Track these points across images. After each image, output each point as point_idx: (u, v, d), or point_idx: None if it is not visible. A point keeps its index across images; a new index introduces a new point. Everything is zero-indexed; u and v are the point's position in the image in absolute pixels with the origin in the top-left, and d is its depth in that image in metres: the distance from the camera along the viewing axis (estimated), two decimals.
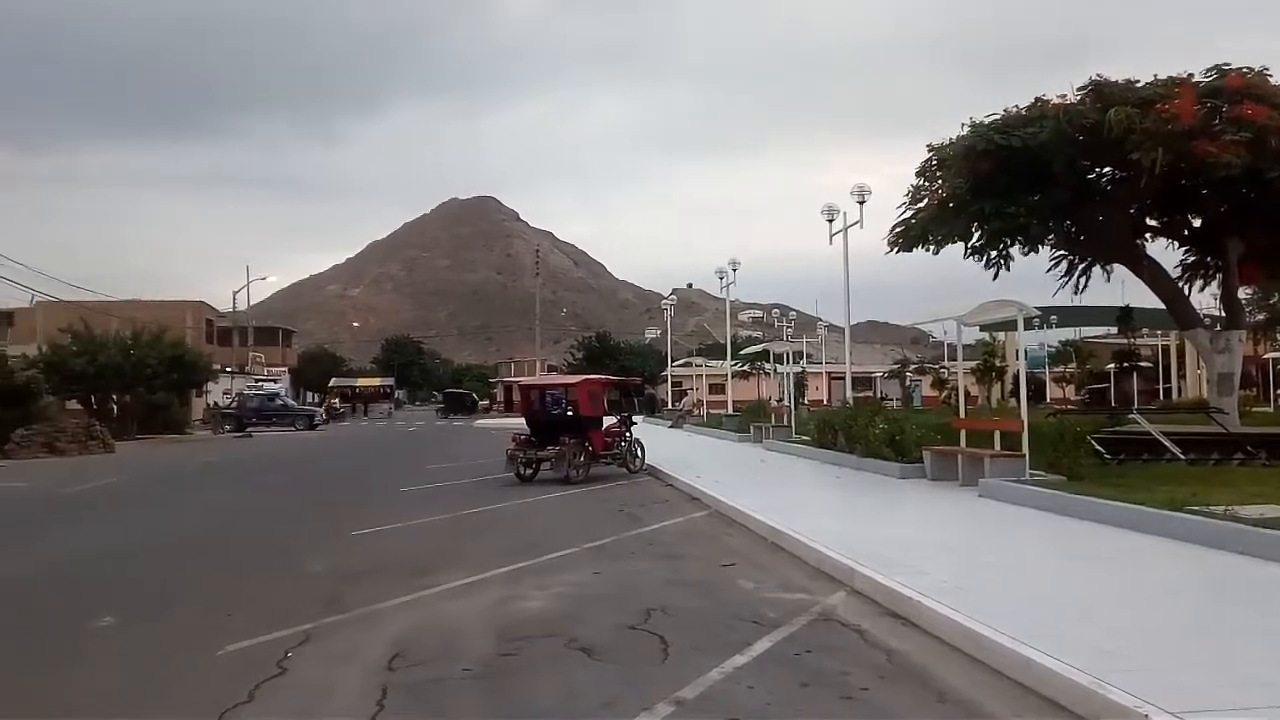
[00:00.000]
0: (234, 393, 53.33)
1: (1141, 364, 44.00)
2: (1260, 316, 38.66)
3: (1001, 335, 49.40)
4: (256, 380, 59.96)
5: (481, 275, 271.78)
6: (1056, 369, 56.32)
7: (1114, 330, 43.08)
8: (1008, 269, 17.84)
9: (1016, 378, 47.38)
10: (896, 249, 17.64)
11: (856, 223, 24.40)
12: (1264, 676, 4.95)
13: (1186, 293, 18.62)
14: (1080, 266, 18.86)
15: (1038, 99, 15.63)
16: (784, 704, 5.03)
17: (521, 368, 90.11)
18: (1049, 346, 55.77)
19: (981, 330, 41.61)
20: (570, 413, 18.57)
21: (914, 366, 71.93)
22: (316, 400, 72.77)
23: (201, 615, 7.48)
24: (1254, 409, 30.11)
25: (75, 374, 36.92)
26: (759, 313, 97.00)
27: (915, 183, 17.10)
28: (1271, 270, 19.42)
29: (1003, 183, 15.44)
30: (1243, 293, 22.77)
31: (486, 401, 77.54)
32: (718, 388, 56.37)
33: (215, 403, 50.81)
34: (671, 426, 39.78)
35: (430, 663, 5.91)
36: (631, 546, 10.34)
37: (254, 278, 61.52)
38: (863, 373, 65.47)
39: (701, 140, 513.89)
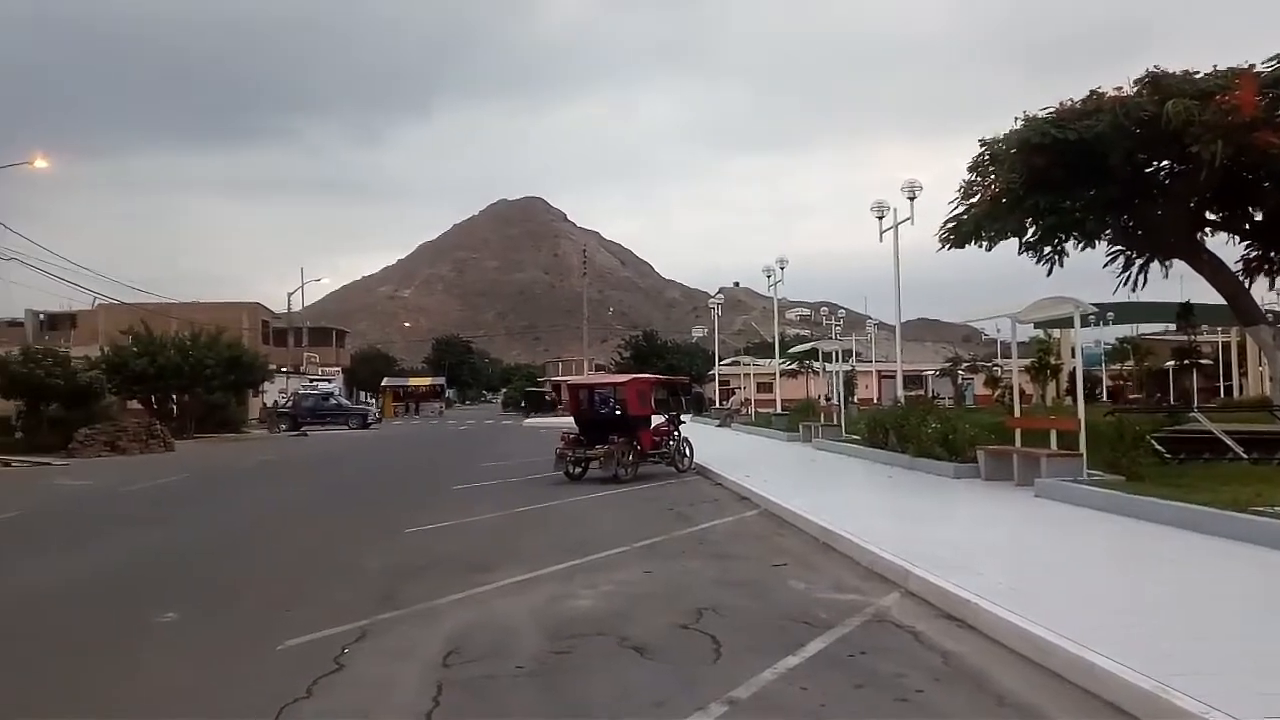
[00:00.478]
0: (289, 392, 54.22)
1: (1202, 361, 42.98)
2: None
3: (1056, 332, 48.51)
4: (311, 380, 60.89)
5: (529, 275, 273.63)
6: (1113, 366, 55.22)
7: (1172, 327, 42.14)
8: (1062, 265, 17.48)
9: (1072, 376, 46.56)
10: (949, 245, 17.37)
11: (907, 219, 24.18)
12: None
13: (1248, 288, 18.11)
14: (1138, 262, 18.43)
15: (1093, 91, 15.31)
16: (838, 705, 5.00)
17: (569, 367, 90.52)
18: (1105, 344, 54.72)
19: (1036, 327, 40.91)
20: (619, 412, 18.61)
21: (966, 364, 70.89)
22: (370, 400, 73.70)
23: (261, 611, 7.63)
24: None
25: (136, 374, 37.76)
26: (807, 311, 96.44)
27: (967, 178, 16.83)
28: None
29: (1058, 177, 15.13)
30: None
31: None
32: (765, 386, 56.10)
33: (277, 401, 51.66)
34: (719, 425, 39.68)
35: (485, 659, 5.97)
36: (681, 546, 10.34)
37: (308, 279, 62.70)
38: (913, 371, 64.78)
39: (748, 138, 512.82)
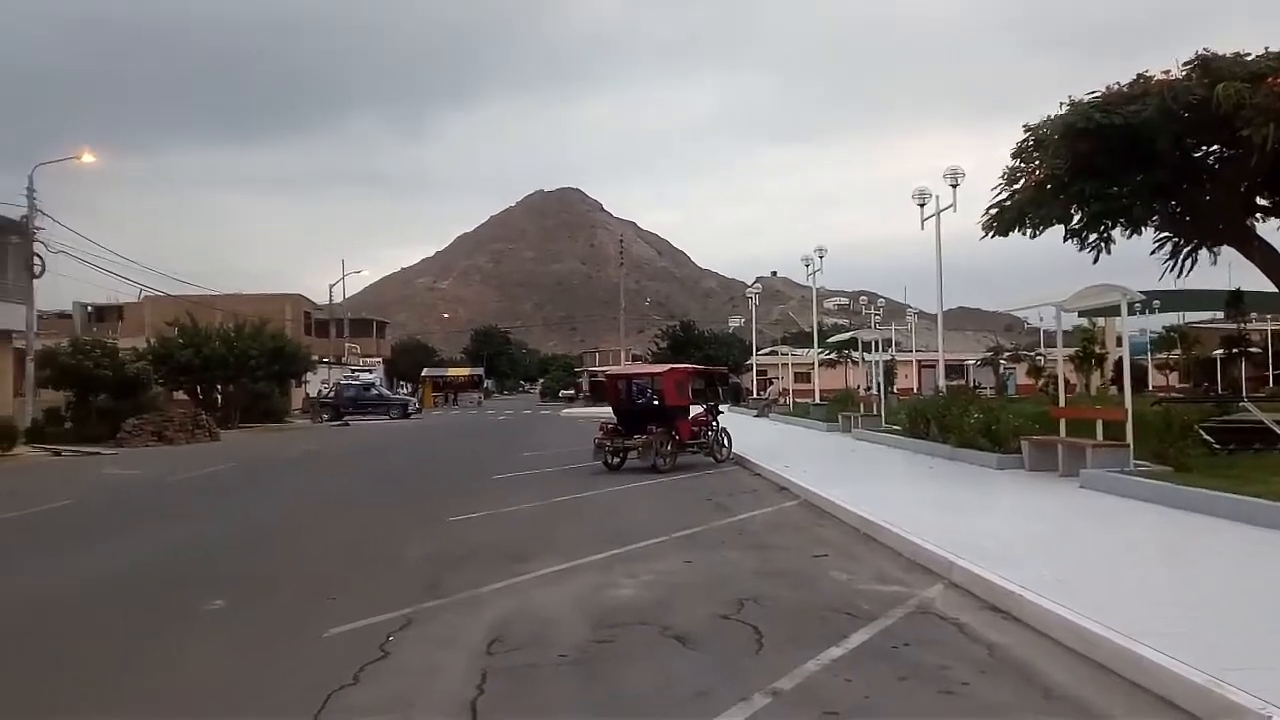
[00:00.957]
0: (331, 383, 54.84)
1: (1251, 349, 42.08)
2: None
3: (1101, 321, 47.72)
4: (352, 370, 61.60)
5: (566, 266, 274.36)
6: (1159, 355, 54.22)
7: (1220, 315, 41.26)
8: (1109, 252, 17.16)
9: (1117, 365, 45.80)
10: (992, 233, 17.12)
11: (950, 206, 23.86)
12: None
13: None
14: (1185, 249, 18.06)
15: (1140, 75, 14.98)
16: (883, 697, 4.96)
17: (606, 357, 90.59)
18: (1151, 332, 53.74)
19: (1080, 316, 40.24)
20: (657, 402, 18.60)
21: (1008, 354, 70.00)
22: (409, 390, 74.36)
23: (306, 599, 7.73)
24: None
25: (182, 365, 38.39)
26: (845, 300, 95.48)
27: (1011, 164, 16.57)
28: None
29: (1104, 163, 14.84)
30: None
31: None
32: (803, 376, 55.79)
33: (319, 391, 52.26)
34: (757, 416, 39.55)
35: (527, 648, 6.00)
36: (721, 536, 10.33)
37: (349, 271, 63.22)
38: (954, 360, 64.02)
39: (785, 126, 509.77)
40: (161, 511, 14.24)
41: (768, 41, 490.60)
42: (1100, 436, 13.48)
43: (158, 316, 46.98)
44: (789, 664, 5.45)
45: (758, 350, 61.17)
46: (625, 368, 36.74)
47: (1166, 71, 14.94)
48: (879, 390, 29.11)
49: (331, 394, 51.50)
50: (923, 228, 25.11)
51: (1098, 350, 49.67)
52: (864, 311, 70.79)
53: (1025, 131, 16.55)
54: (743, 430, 23.21)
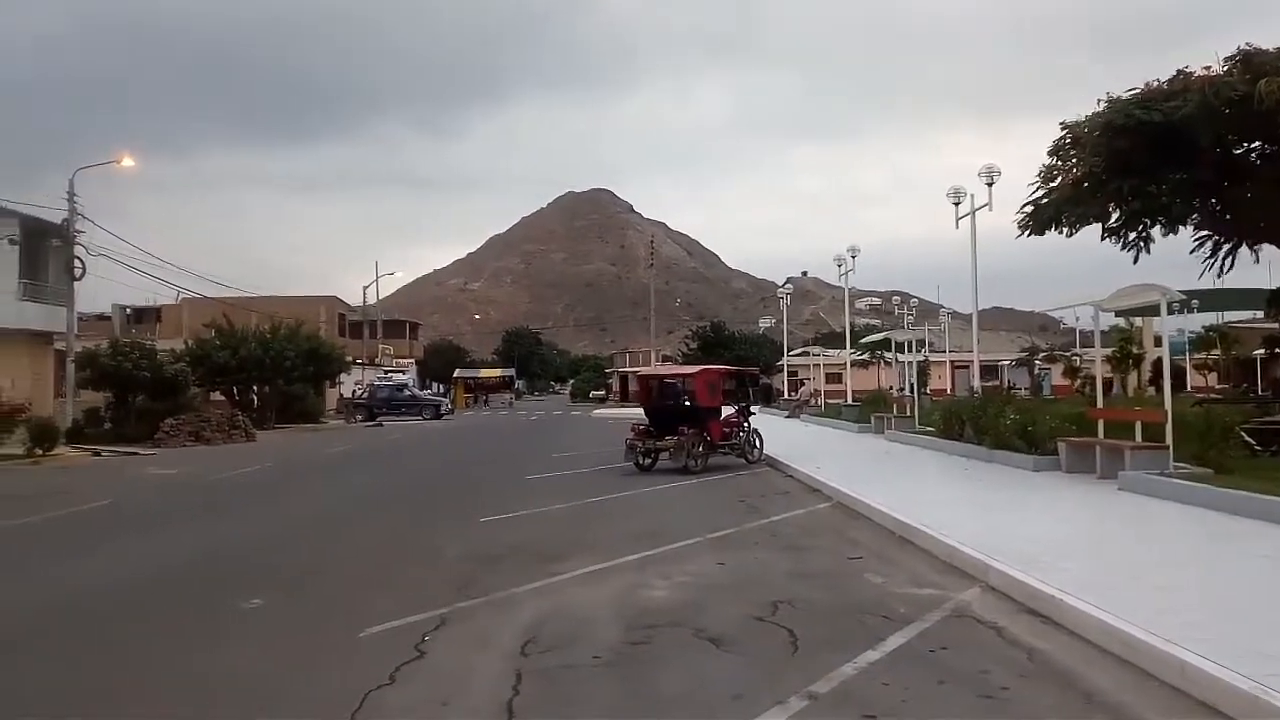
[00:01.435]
0: (365, 384, 55.26)
1: None
2: None
3: (1138, 321, 47.05)
4: (386, 371, 62.03)
5: (596, 267, 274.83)
6: (1198, 355, 53.38)
7: (1260, 314, 40.54)
8: (1148, 251, 16.94)
9: (1155, 365, 45.13)
10: (1028, 231, 16.94)
11: (985, 205, 23.64)
12: None
13: None
14: (1226, 247, 17.77)
15: (1180, 71, 14.76)
16: (921, 701, 4.92)
17: (636, 358, 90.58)
18: (1190, 332, 52.93)
19: (1117, 316, 39.71)
20: (688, 403, 18.58)
21: (1043, 354, 69.24)
22: (442, 390, 74.82)
23: (343, 598, 7.80)
24: None
25: (219, 366, 38.84)
26: (877, 300, 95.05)
27: (1048, 162, 16.38)
28: None
29: (1142, 160, 14.64)
30: None
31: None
32: (835, 377, 55.51)
33: (354, 392, 52.71)
34: (788, 417, 39.41)
35: (562, 649, 6.02)
36: (754, 537, 10.29)
37: (383, 273, 63.79)
38: (989, 360, 63.33)
39: (816, 125, 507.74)
40: (200, 511, 14.41)
41: (799, 38, 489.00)
42: (1139, 438, 13.30)
43: (195, 318, 47.58)
44: (825, 667, 5.42)
45: (789, 351, 60.95)
46: (657, 368, 36.76)
47: (1207, 67, 14.72)
48: (912, 391, 28.87)
49: (365, 395, 51.89)
50: (957, 226, 24.92)
51: (1135, 350, 49.02)
52: (896, 311, 70.38)
53: (1063, 129, 16.36)
54: (774, 431, 23.13)
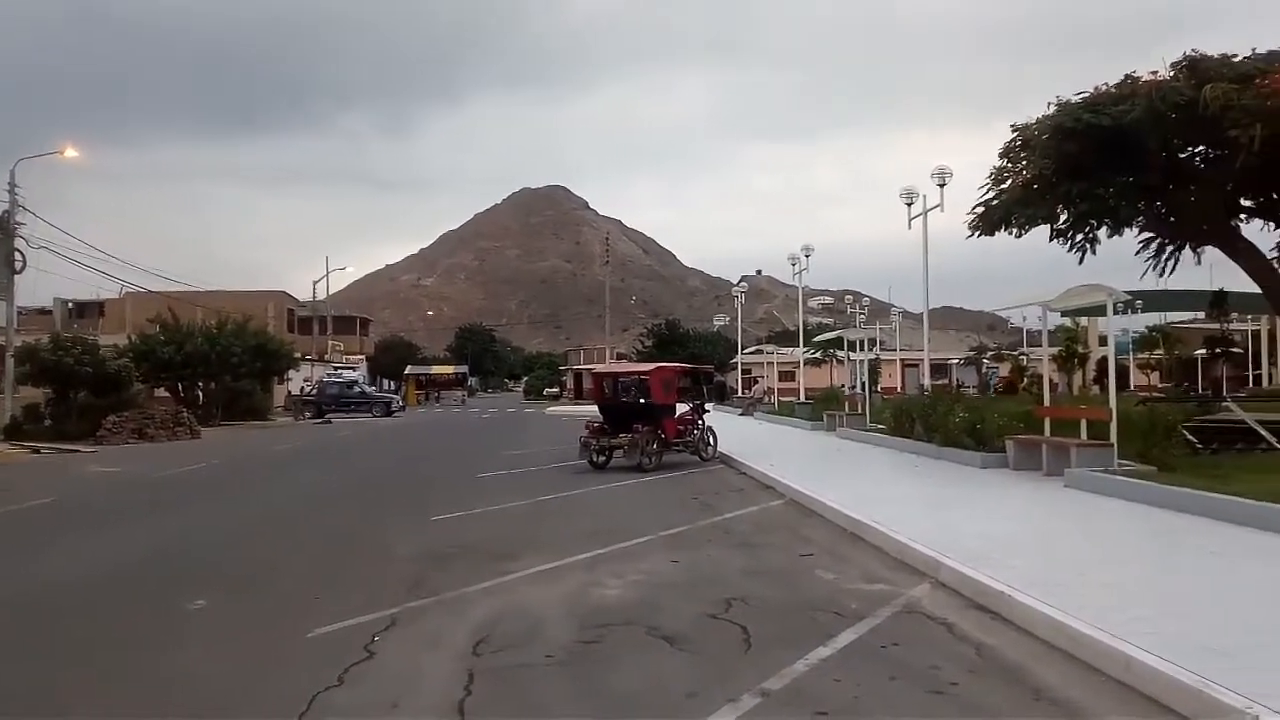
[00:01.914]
0: (314, 380, 54.54)
1: (1233, 350, 42.38)
2: None
3: (1084, 321, 48.02)
4: (335, 368, 61.29)
5: (551, 264, 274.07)
6: (1141, 355, 54.60)
7: (1201, 315, 41.55)
8: (1094, 253, 17.22)
9: (1100, 364, 46.05)
10: (978, 232, 17.15)
11: (937, 206, 23.94)
12: None
13: None
14: (1170, 249, 18.14)
15: (1128, 76, 15.02)
16: (872, 697, 4.94)
17: (591, 355, 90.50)
18: (1133, 332, 54.10)
19: (1063, 315, 40.47)
20: (643, 400, 18.57)
21: (990, 353, 70.37)
22: (393, 387, 74.10)
23: (291, 598, 7.65)
24: None
25: (163, 362, 38.10)
26: (829, 299, 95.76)
27: (998, 164, 16.59)
28: None
29: (1091, 163, 14.89)
30: None
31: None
32: (788, 375, 55.87)
33: (302, 389, 52.01)
34: (741, 414, 39.57)
35: (514, 648, 5.95)
36: (708, 535, 10.30)
37: (333, 268, 62.91)
38: (938, 359, 64.23)
39: (770, 126, 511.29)
40: (144, 509, 14.10)
41: (756, 40, 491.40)
42: (1084, 436, 13.53)
43: (139, 313, 46.56)
44: (777, 664, 5.43)
45: (743, 349, 61.26)
46: (611, 366, 36.69)
47: (1155, 72, 14.99)
48: (864, 389, 29.14)
49: (314, 391, 51.19)
50: (910, 227, 25.22)
51: (1080, 350, 50.02)
52: (849, 310, 71.00)
53: (1013, 131, 16.58)
54: (728, 429, 23.21)
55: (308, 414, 46.73)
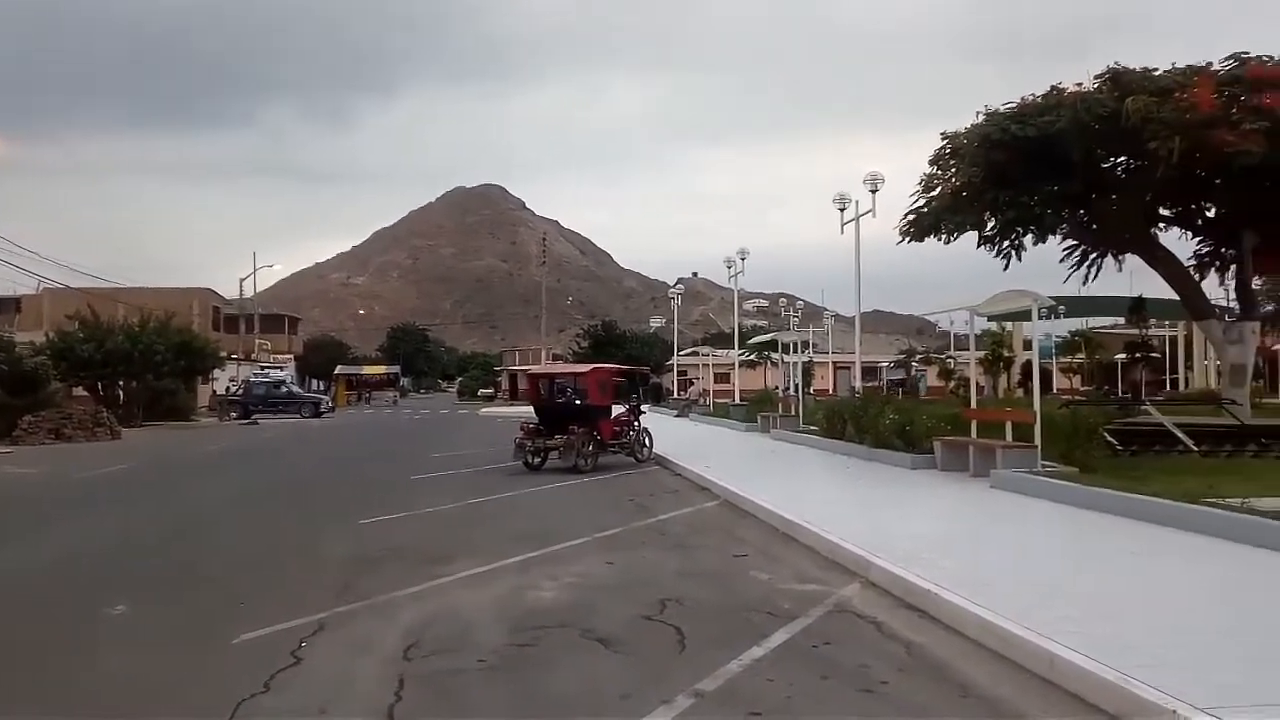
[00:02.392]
0: (240, 380, 53.35)
1: (1151, 354, 43.83)
2: (1269, 307, 38.43)
3: (1009, 325, 49.20)
4: (262, 367, 59.92)
5: (487, 263, 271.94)
6: (1064, 359, 56.13)
7: (1122, 320, 42.93)
8: (1019, 259, 17.74)
9: (1024, 368, 47.19)
10: (909, 238, 17.53)
11: (869, 212, 24.25)
12: None
13: (1200, 283, 18.50)
14: (1092, 256, 18.73)
15: (1054, 87, 15.48)
16: (805, 697, 4.98)
17: (526, 356, 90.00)
18: (1056, 337, 55.58)
19: (990, 320, 41.45)
20: (579, 401, 18.50)
21: (919, 356, 71.71)
22: (322, 387, 72.80)
23: (215, 604, 7.44)
24: (1263, 401, 29.95)
25: (82, 361, 36.91)
26: (765, 302, 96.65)
27: (929, 171, 17.01)
28: None
29: (1017, 172, 15.31)
30: (1254, 283, 22.62)
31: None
32: (723, 377, 56.26)
33: (227, 388, 50.83)
34: (677, 416, 39.71)
35: (446, 653, 5.87)
36: (642, 536, 10.30)
37: (261, 265, 61.73)
38: (869, 362, 65.31)
39: (710, 129, 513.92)
40: (62, 512, 13.62)
41: (695, 42, 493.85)
42: (1010, 438, 13.84)
43: (58, 310, 44.99)
44: (712, 664, 5.44)
45: (679, 350, 61.50)
46: (547, 366, 36.53)
47: (1079, 84, 15.48)
48: (797, 391, 29.46)
49: (240, 391, 50.02)
50: (842, 232, 25.50)
51: (1006, 354, 51.23)
52: (783, 314, 71.78)
53: (943, 140, 16.97)
54: (663, 430, 23.26)
55: (233, 414, 45.67)
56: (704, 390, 50.55)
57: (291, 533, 11.20)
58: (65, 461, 21.64)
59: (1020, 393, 44.07)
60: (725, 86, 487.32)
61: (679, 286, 57.49)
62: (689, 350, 67.32)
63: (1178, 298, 18.47)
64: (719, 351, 59.75)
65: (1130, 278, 24.72)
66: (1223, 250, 18.14)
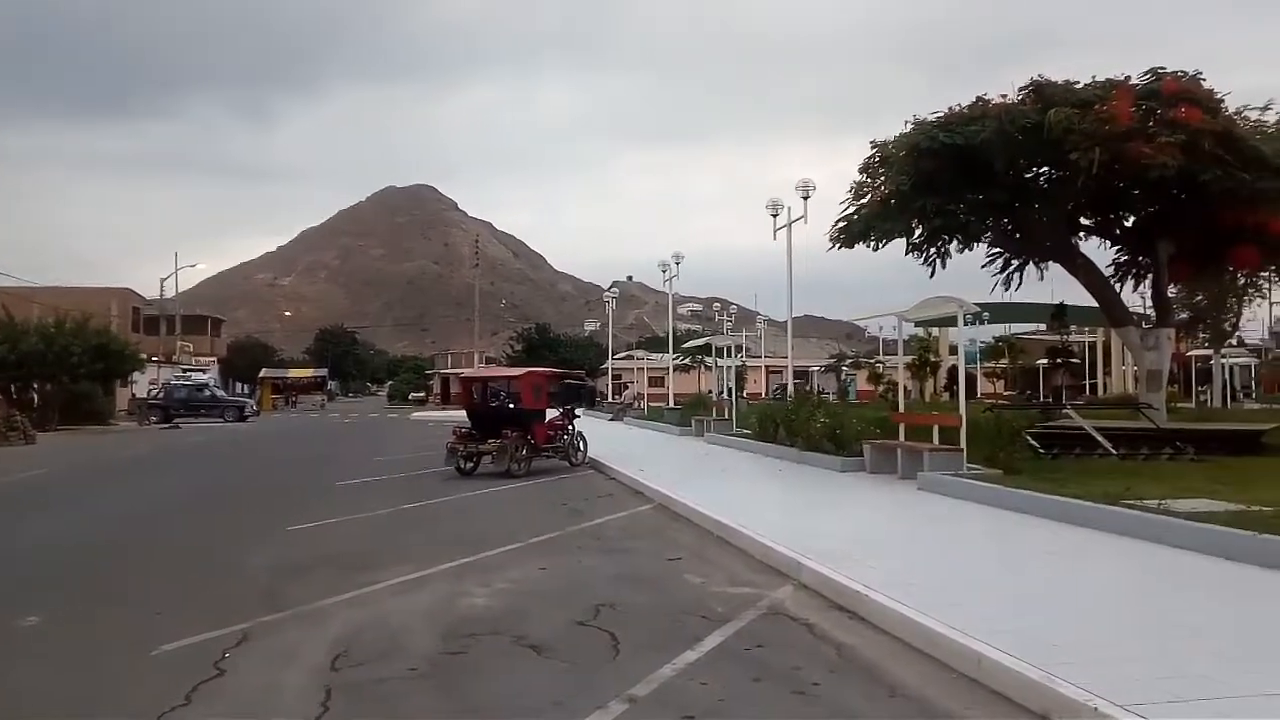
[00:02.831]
0: (161, 383, 51.90)
1: (1071, 360, 45.07)
2: (1184, 315, 39.80)
3: (935, 331, 50.27)
4: (184, 370, 58.34)
5: (418, 265, 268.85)
6: (988, 364, 57.49)
7: (1043, 327, 44.08)
8: (944, 266, 18.11)
9: (950, 372, 48.24)
10: (839, 245, 17.78)
11: (801, 218, 24.58)
12: (1200, 669, 5.02)
13: (1118, 290, 19.10)
14: (1016, 263, 19.21)
15: (979, 98, 15.85)
16: (737, 700, 5.01)
17: (459, 359, 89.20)
18: (981, 342, 56.93)
19: (916, 326, 42.28)
20: (512, 405, 18.38)
21: (849, 361, 72.82)
22: (247, 391, 71.19)
23: (134, 614, 7.20)
24: (1177, 405, 31.02)
25: None
26: (698, 306, 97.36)
27: (858, 179, 17.25)
28: (1199, 270, 20.00)
29: (945, 180, 15.63)
30: (1169, 291, 23.42)
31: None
32: (658, 381, 56.45)
33: (148, 391, 49.42)
34: (612, 419, 39.70)
35: (375, 662, 5.76)
36: (577, 541, 10.26)
37: (183, 265, 60.17)
38: (800, 366, 66.13)
39: (644, 132, 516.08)
40: None
41: (631, 44, 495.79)
42: (936, 441, 14.11)
43: None
44: (645, 669, 5.43)
45: (613, 354, 61.51)
46: (480, 370, 36.25)
47: (1004, 95, 15.85)
48: (730, 395, 29.67)
49: (160, 394, 48.64)
50: (775, 238, 25.79)
51: (932, 358, 52.33)
52: (716, 317, 72.29)
53: (873, 148, 17.22)
54: (598, 434, 23.21)
55: (154, 418, 44.39)
56: (639, 394, 50.63)
57: (215, 540, 10.90)
58: None
59: (946, 397, 45.06)
60: (659, 91, 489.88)
61: (613, 290, 57.59)
62: (623, 354, 67.41)
63: (1097, 305, 19.03)
64: (653, 355, 59.85)
65: (1052, 285, 25.43)
66: (1140, 259, 18.77)
